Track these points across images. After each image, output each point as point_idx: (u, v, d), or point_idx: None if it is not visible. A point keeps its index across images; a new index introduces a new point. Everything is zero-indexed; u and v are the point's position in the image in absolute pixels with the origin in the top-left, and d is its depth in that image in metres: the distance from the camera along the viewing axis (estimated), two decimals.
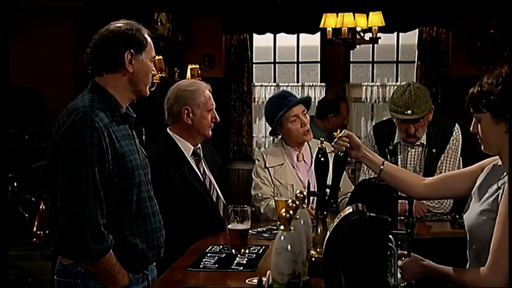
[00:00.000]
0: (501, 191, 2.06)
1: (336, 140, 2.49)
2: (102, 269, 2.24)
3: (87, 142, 2.16)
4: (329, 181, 2.47)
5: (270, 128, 3.51)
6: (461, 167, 3.49)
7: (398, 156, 3.59)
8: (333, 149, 2.51)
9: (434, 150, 3.55)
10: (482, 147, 2.18)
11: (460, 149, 3.58)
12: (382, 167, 2.45)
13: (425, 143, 3.58)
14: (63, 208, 2.17)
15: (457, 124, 3.61)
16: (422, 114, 3.43)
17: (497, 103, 2.06)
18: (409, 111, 3.40)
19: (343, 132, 2.52)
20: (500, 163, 2.18)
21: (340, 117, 5.56)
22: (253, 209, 3.41)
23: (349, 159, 2.54)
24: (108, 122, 2.24)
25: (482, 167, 2.28)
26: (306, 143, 3.47)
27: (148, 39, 2.39)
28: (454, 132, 3.57)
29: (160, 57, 5.45)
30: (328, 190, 2.42)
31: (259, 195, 3.39)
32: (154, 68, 2.43)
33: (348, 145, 2.46)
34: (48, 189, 2.27)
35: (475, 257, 2.19)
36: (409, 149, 3.61)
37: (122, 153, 2.26)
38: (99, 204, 2.18)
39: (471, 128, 2.19)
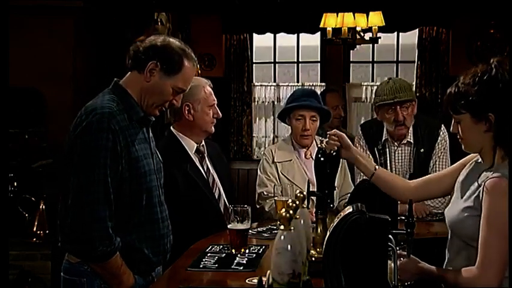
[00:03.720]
0: (481, 188, 2.08)
1: (326, 139, 2.51)
2: (108, 269, 2.24)
3: (101, 144, 2.16)
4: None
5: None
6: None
7: (387, 156, 3.61)
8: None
9: (422, 150, 3.60)
10: (463, 146, 2.21)
11: (448, 150, 3.61)
12: (374, 171, 2.48)
13: (412, 141, 3.62)
14: (72, 207, 2.17)
15: (443, 125, 3.65)
16: (408, 97, 3.53)
17: (475, 103, 2.08)
18: (399, 94, 3.51)
19: (333, 131, 2.54)
20: (480, 160, 2.21)
21: (328, 107, 5.28)
22: (257, 206, 3.45)
23: None
24: (125, 125, 2.24)
25: (463, 164, 2.31)
26: (314, 142, 3.54)
27: (189, 70, 2.35)
28: (441, 133, 3.62)
29: None
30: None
31: (265, 193, 3.44)
32: (174, 99, 2.37)
33: (339, 144, 2.48)
34: (60, 187, 2.25)
35: (456, 252, 2.21)
36: (397, 148, 3.63)
37: (135, 157, 2.25)
38: (108, 207, 2.18)
39: (451, 128, 2.21)
